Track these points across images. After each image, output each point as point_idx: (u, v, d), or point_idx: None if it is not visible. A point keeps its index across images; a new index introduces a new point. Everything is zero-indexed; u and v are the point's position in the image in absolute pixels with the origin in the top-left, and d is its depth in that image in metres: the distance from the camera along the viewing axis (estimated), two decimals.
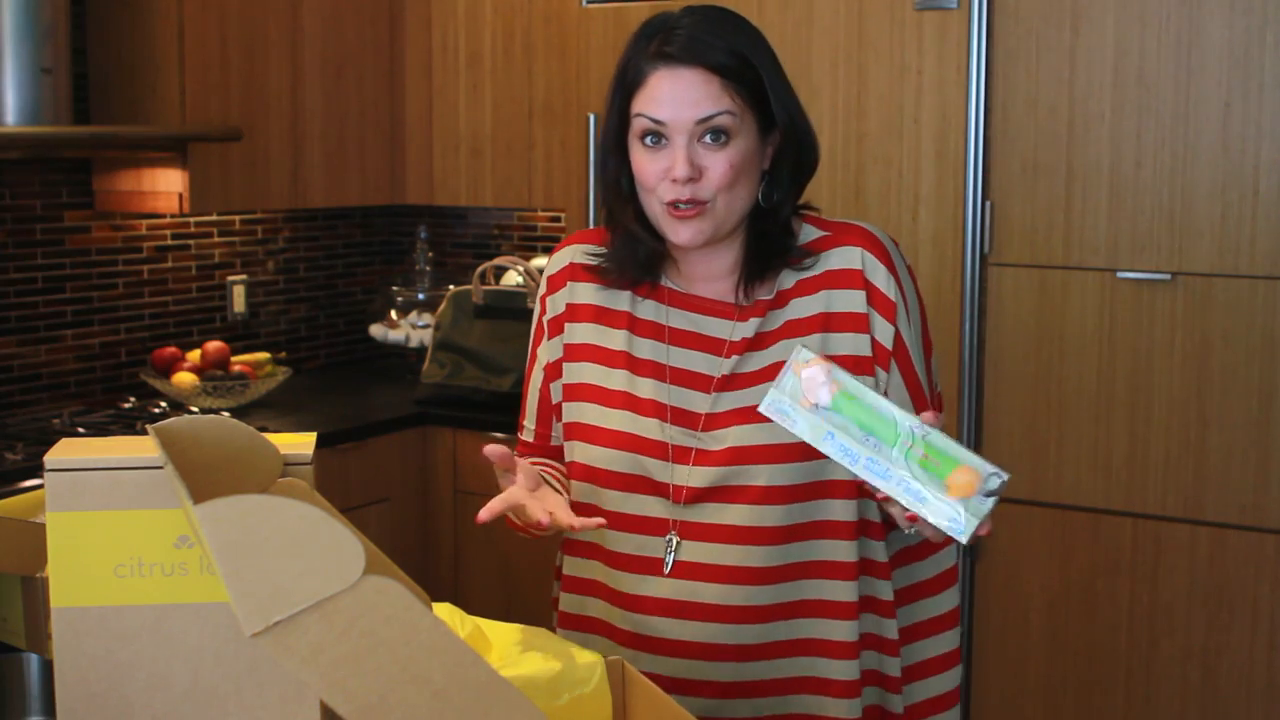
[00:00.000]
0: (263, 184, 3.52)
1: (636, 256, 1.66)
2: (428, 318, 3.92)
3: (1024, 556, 3.04)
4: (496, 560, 3.51)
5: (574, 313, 1.71)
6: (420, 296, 4.01)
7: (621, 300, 1.69)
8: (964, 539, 1.34)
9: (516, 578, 3.49)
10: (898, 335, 1.60)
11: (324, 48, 3.65)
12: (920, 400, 1.62)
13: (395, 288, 4.05)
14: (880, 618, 1.64)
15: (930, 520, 1.35)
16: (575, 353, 1.70)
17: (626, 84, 1.60)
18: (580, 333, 1.70)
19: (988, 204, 3.00)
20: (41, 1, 2.99)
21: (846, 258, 1.62)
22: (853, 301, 1.60)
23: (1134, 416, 2.91)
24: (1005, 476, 1.34)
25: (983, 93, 2.98)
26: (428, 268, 4.05)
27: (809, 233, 1.65)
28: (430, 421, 3.55)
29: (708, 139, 1.56)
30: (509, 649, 1.39)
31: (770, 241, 1.63)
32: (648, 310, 1.68)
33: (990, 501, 1.33)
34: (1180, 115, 2.82)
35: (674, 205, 1.57)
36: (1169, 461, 2.89)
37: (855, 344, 1.60)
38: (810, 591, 1.60)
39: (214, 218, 3.74)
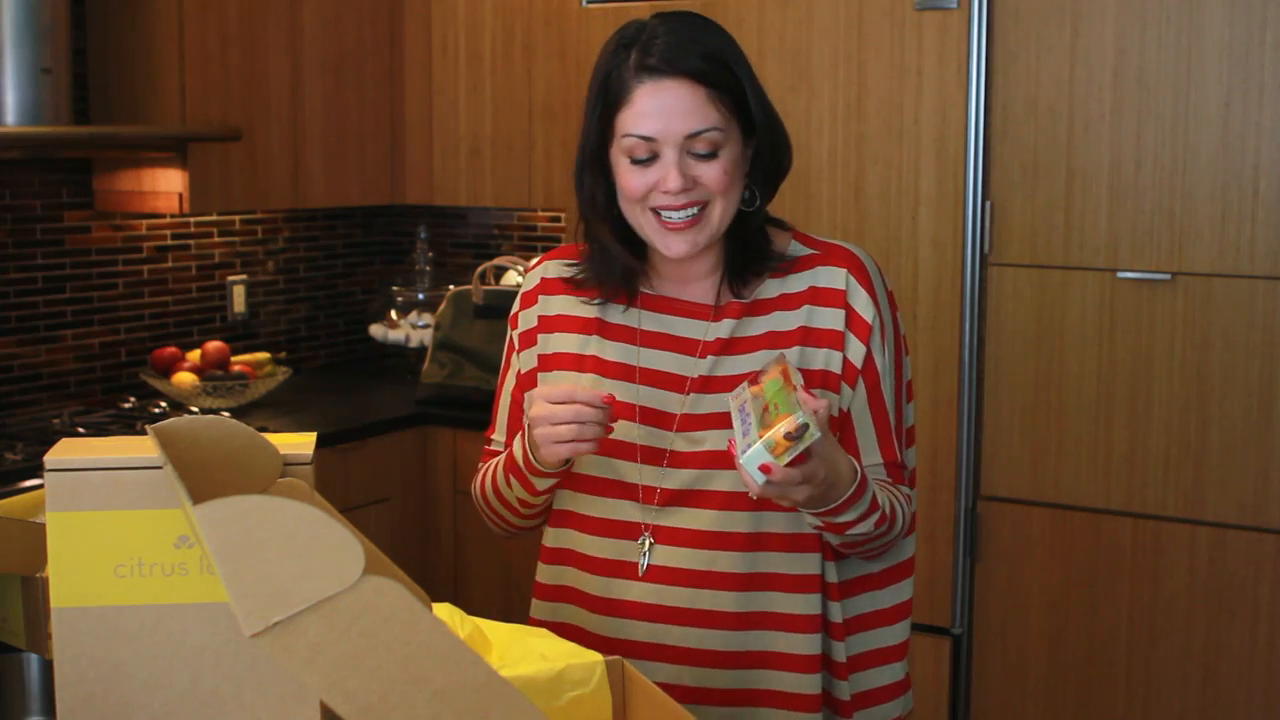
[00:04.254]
0: (263, 184, 3.52)
1: (614, 270, 1.67)
2: (428, 318, 3.92)
3: (1024, 556, 3.04)
4: (496, 560, 3.51)
5: (547, 324, 1.72)
6: (420, 296, 4.01)
7: (591, 308, 1.70)
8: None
9: (516, 578, 3.49)
10: (869, 355, 1.62)
11: (324, 48, 3.65)
12: (883, 423, 1.63)
13: (395, 288, 4.05)
14: (832, 640, 1.63)
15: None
16: (550, 362, 1.71)
17: (609, 99, 1.59)
18: (554, 343, 1.71)
19: (988, 204, 3.00)
20: (41, 1, 2.99)
21: (832, 277, 1.64)
22: (832, 320, 1.62)
23: (1134, 416, 2.91)
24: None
25: (983, 93, 2.98)
26: (428, 268, 4.05)
27: (797, 249, 1.67)
28: (430, 421, 3.55)
29: (698, 151, 1.56)
30: (509, 649, 1.39)
31: (748, 244, 1.64)
32: (618, 315, 1.68)
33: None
34: (1180, 115, 2.82)
35: (664, 216, 1.57)
36: (1169, 461, 2.89)
37: (828, 359, 1.61)
38: (773, 604, 1.60)
39: (214, 218, 3.73)
